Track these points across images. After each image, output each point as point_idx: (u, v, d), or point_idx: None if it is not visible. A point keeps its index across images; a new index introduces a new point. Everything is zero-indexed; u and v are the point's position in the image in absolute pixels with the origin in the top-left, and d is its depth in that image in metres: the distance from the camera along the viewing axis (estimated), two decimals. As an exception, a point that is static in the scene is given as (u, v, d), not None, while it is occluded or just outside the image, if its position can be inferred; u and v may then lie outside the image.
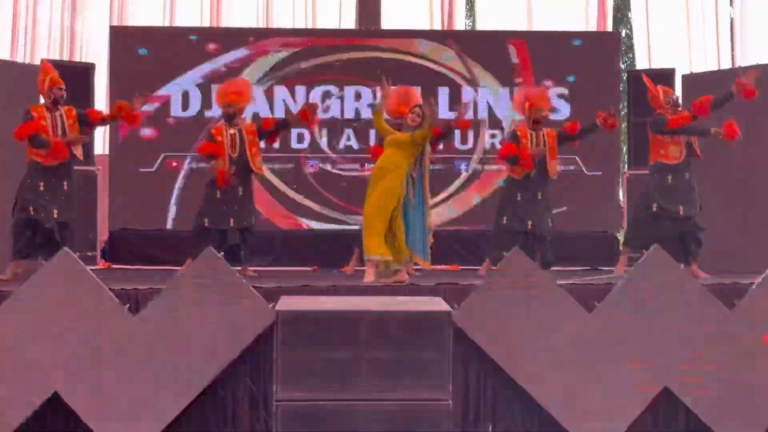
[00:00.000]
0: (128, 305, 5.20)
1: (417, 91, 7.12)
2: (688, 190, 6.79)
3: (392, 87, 6.60)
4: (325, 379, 4.71)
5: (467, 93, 8.99)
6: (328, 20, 11.33)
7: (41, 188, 6.43)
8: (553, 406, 5.17)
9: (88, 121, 6.70)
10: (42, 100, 6.70)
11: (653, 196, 6.79)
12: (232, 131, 6.82)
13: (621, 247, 7.54)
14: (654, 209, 6.77)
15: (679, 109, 6.91)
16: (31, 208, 6.38)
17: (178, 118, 8.95)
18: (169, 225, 8.73)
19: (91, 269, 5.30)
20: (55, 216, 6.43)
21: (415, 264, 6.51)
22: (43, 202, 6.40)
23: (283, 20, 11.22)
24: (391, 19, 10.42)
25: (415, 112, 6.33)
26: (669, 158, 6.78)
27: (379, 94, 6.52)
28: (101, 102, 9.65)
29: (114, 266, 8.29)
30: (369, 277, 6.06)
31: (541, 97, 7.17)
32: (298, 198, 8.93)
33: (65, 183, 6.55)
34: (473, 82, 9.09)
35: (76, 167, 8.03)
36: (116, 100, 6.84)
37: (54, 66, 8.34)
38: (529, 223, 6.95)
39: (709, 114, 6.70)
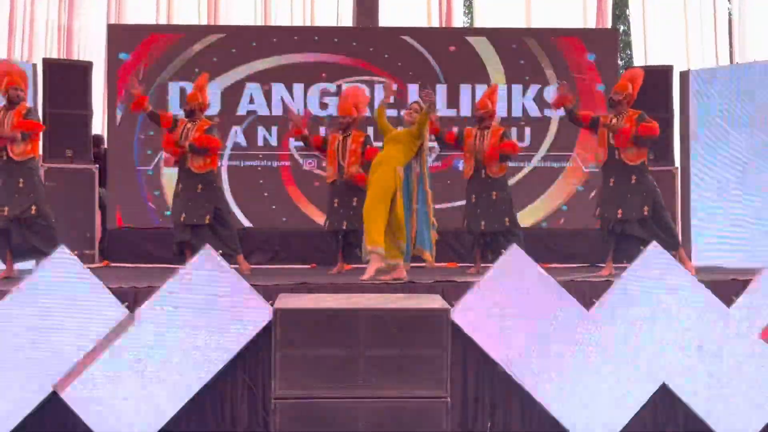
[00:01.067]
0: (126, 303, 5.20)
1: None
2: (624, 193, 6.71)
3: (393, 85, 6.62)
4: (323, 376, 4.71)
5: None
6: (326, 18, 11.31)
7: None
8: (551, 404, 5.18)
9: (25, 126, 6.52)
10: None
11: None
12: (189, 125, 6.87)
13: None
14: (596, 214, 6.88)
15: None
16: None
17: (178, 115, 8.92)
18: (166, 223, 8.71)
19: (89, 267, 5.31)
20: (5, 214, 6.36)
21: (422, 260, 6.52)
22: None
23: (281, 18, 11.20)
24: (388, 16, 10.40)
25: (413, 108, 6.35)
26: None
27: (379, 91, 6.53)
28: (99, 100, 9.65)
29: (112, 264, 8.28)
30: (370, 272, 6.07)
31: (488, 95, 7.28)
32: (295, 196, 8.92)
33: (21, 179, 6.42)
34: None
35: (75, 165, 8.09)
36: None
37: (52, 64, 8.40)
38: (483, 223, 7.05)
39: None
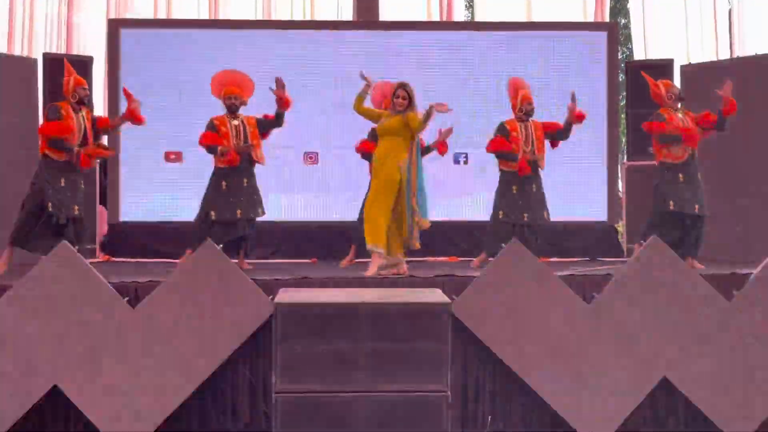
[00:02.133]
0: (128, 298, 5.21)
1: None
2: (697, 188, 6.78)
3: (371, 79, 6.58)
4: (324, 371, 4.72)
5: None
6: (326, 12, 11.31)
7: (62, 184, 6.47)
8: (552, 397, 5.19)
9: (95, 128, 6.71)
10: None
11: (667, 194, 6.78)
12: (235, 122, 6.87)
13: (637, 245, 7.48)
14: (671, 207, 6.76)
15: (681, 106, 6.89)
16: (50, 204, 6.40)
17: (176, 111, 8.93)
18: (167, 218, 8.72)
19: (90, 262, 5.32)
20: (76, 212, 6.50)
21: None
22: (65, 199, 6.45)
23: (280, 12, 11.19)
24: (388, 11, 10.40)
25: (400, 95, 6.26)
26: (672, 157, 6.77)
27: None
28: (99, 95, 9.64)
29: (113, 259, 8.29)
30: (372, 269, 6.08)
31: (529, 90, 7.22)
32: (296, 190, 8.93)
33: (81, 181, 6.63)
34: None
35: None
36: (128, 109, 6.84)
37: (52, 59, 8.39)
38: (525, 215, 7.00)
39: (711, 131, 6.81)
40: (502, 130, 7.09)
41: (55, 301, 5.05)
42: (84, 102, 6.59)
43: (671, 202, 6.75)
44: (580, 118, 7.07)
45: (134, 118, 6.75)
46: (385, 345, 4.74)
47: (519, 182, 7.04)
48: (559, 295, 5.27)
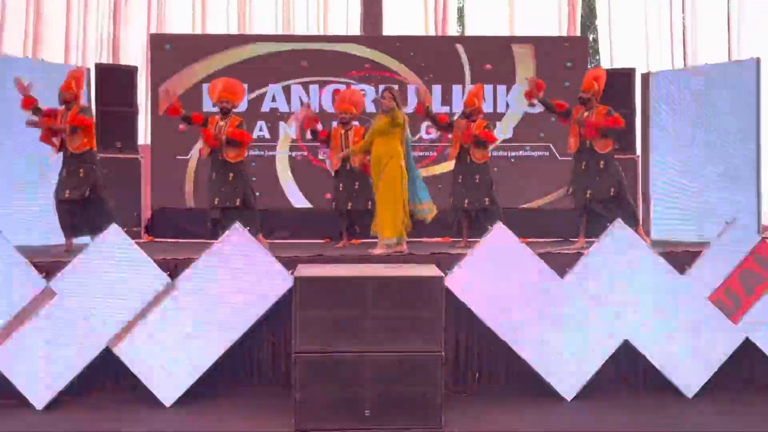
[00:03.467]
0: (168, 272, 5.22)
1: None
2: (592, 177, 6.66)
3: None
4: (336, 333, 4.73)
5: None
6: (337, 26, 11.28)
7: (64, 173, 6.56)
8: (530, 356, 5.21)
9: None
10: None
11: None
12: (221, 123, 6.84)
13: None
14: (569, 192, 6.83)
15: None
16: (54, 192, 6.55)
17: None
18: (203, 204, 8.72)
19: (136, 242, 5.33)
20: (67, 195, 6.49)
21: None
22: (59, 185, 6.54)
23: (299, 25, 11.17)
24: (391, 24, 10.37)
25: (386, 96, 6.21)
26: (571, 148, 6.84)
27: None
28: (142, 99, 9.62)
29: (156, 240, 8.30)
30: (379, 250, 6.10)
31: (477, 94, 7.21)
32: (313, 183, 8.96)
33: (81, 168, 6.56)
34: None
35: (123, 155, 8.14)
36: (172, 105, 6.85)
37: (103, 68, 8.39)
38: (466, 201, 7.02)
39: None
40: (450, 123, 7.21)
41: (107, 275, 5.08)
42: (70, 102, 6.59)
43: (571, 189, 6.82)
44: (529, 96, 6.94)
45: (173, 112, 6.83)
46: (389, 312, 4.75)
47: (461, 173, 7.07)
48: (537, 269, 5.28)
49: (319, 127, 7.51)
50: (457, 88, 8.94)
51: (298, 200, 8.95)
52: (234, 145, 6.76)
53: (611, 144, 6.69)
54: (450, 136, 7.29)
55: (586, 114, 6.68)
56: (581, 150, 6.73)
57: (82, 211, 6.53)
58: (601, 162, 6.65)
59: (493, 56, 8.94)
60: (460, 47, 9.00)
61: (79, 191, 6.50)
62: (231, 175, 6.80)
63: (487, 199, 7.04)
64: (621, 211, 6.46)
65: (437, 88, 8.93)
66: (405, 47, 9.01)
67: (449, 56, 8.95)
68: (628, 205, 6.67)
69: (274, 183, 8.90)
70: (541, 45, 9.06)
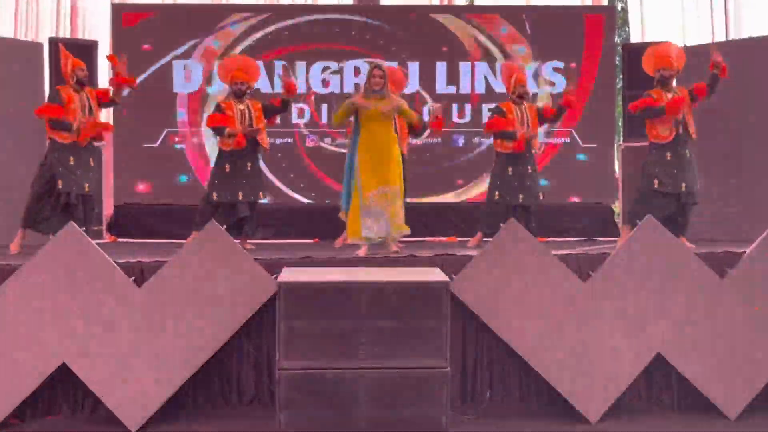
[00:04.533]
0: (134, 278, 5.23)
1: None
2: (687, 166, 6.69)
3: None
4: (326, 347, 4.75)
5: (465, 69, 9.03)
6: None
7: (71, 162, 6.53)
8: (550, 373, 5.22)
9: (99, 103, 6.76)
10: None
11: (653, 173, 6.73)
12: (241, 107, 6.89)
13: (622, 225, 7.49)
14: (655, 186, 6.70)
15: (673, 84, 6.84)
16: (60, 182, 6.47)
17: (180, 93, 8.95)
18: (172, 199, 8.74)
19: (97, 243, 5.33)
20: (86, 190, 6.58)
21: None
22: (75, 177, 6.52)
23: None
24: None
25: (376, 74, 6.27)
26: (659, 138, 6.72)
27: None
28: (104, 79, 9.61)
29: (119, 240, 8.32)
30: (398, 247, 6.26)
31: (523, 73, 7.25)
32: (297, 173, 8.97)
33: (91, 159, 6.69)
34: (471, 57, 9.11)
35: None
36: (114, 75, 6.89)
37: (58, 43, 8.39)
38: (521, 196, 7.01)
39: (707, 96, 6.69)
40: (498, 111, 7.11)
41: (62, 281, 5.07)
42: (84, 82, 6.64)
43: (656, 181, 6.69)
44: (570, 103, 7.07)
45: (122, 81, 6.80)
46: (386, 323, 4.76)
47: (515, 163, 7.05)
48: (556, 273, 5.29)
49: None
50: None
51: (283, 195, 8.98)
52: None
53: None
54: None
55: (670, 96, 6.67)
56: (677, 137, 6.69)
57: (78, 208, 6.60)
58: (691, 150, 6.73)
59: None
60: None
61: (95, 185, 6.70)
62: (249, 164, 6.92)
63: (541, 193, 7.14)
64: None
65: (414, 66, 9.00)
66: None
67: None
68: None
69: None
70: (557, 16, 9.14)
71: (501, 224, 5.55)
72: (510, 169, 7.06)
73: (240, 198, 6.86)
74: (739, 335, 5.32)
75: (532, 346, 5.22)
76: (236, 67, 6.97)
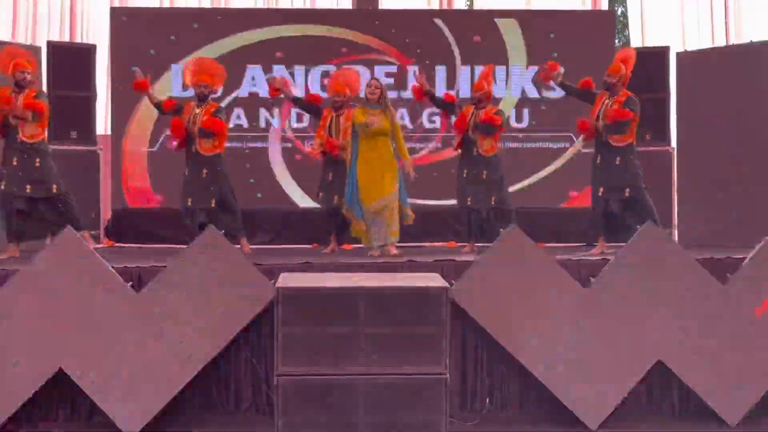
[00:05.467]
0: (131, 283, 5.22)
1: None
2: (611, 171, 6.64)
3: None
4: (325, 354, 4.74)
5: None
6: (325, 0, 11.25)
7: (14, 163, 6.46)
8: (550, 380, 5.20)
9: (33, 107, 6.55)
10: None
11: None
12: (197, 110, 6.84)
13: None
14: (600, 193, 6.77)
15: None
16: (2, 183, 6.45)
17: (179, 98, 8.94)
18: (171, 204, 8.72)
19: (94, 248, 5.32)
20: (28, 191, 6.44)
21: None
22: (17, 178, 6.43)
23: (282, 0, 11.14)
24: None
25: (372, 85, 6.49)
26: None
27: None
28: (102, 83, 9.61)
29: (117, 244, 8.30)
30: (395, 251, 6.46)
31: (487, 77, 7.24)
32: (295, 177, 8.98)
33: (37, 159, 6.51)
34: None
35: (78, 147, 8.10)
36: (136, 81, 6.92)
37: (56, 47, 8.38)
38: (469, 200, 7.02)
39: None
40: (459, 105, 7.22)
41: (59, 286, 5.05)
42: (22, 85, 6.51)
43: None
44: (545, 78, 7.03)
45: (140, 87, 6.91)
46: (385, 329, 4.75)
47: (469, 167, 7.06)
48: (556, 278, 5.28)
49: (295, 91, 7.51)
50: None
51: (281, 199, 8.96)
52: (208, 136, 6.75)
53: (631, 137, 6.66)
54: (453, 121, 7.24)
55: (607, 102, 6.68)
56: (598, 141, 6.74)
57: (46, 210, 6.51)
58: (618, 157, 6.64)
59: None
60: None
61: (45, 186, 6.49)
62: (204, 171, 6.81)
63: (494, 198, 7.02)
64: (639, 213, 6.48)
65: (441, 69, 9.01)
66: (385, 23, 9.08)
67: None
68: (647, 207, 6.65)
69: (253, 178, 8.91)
70: (555, 20, 9.12)
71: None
72: (465, 172, 7.10)
73: (189, 204, 6.83)
74: (739, 341, 5.30)
75: (532, 352, 5.20)
76: (201, 71, 6.93)
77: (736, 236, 7.24)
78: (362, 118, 6.50)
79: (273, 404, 4.91)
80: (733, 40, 10.78)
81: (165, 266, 5.21)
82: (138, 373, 5.03)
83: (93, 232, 7.98)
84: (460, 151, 7.18)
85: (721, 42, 10.82)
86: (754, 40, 8.76)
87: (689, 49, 9.59)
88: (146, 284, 5.18)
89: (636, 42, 11.23)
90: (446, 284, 5.02)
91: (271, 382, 4.95)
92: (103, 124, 9.72)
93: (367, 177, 6.47)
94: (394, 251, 6.43)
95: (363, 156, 6.50)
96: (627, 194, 6.63)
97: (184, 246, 5.32)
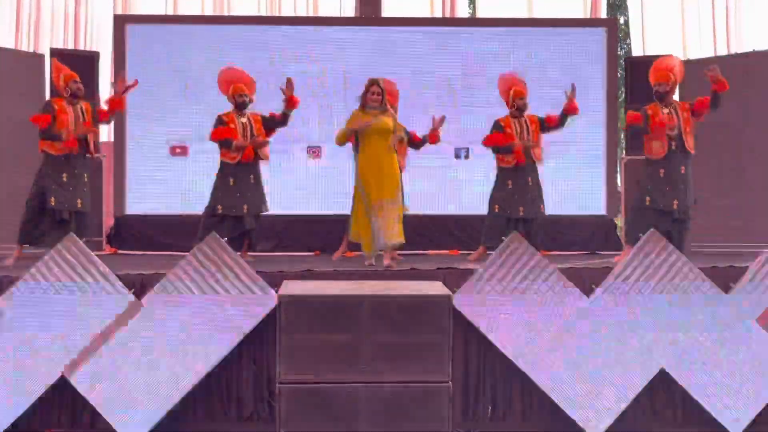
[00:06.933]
0: (133, 290, 5.20)
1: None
2: (680, 183, 6.58)
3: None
4: (327, 361, 4.73)
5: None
6: (328, 7, 11.25)
7: (64, 179, 6.51)
8: (552, 388, 5.19)
9: (97, 120, 6.76)
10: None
11: (646, 189, 6.67)
12: (243, 120, 6.92)
13: (624, 241, 7.44)
14: (647, 203, 6.63)
15: (674, 98, 6.79)
16: (52, 199, 6.45)
17: (181, 106, 8.94)
18: (173, 211, 8.72)
19: (96, 254, 5.31)
20: (79, 206, 6.56)
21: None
22: (67, 194, 6.51)
23: (285, 8, 11.14)
24: (391, 5, 10.35)
25: (375, 91, 6.50)
26: (652, 153, 6.66)
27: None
28: (106, 90, 9.62)
29: (120, 252, 8.29)
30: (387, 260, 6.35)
31: (522, 85, 7.19)
32: (302, 183, 8.94)
33: (86, 174, 6.68)
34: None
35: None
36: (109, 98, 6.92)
37: (59, 54, 8.39)
38: (521, 209, 6.98)
39: (708, 111, 6.58)
40: (497, 126, 7.08)
41: (61, 292, 5.04)
42: (78, 95, 6.60)
43: (648, 198, 6.62)
44: (575, 109, 7.03)
45: (114, 105, 6.75)
46: (387, 336, 4.75)
47: (515, 177, 7.03)
48: (559, 287, 5.26)
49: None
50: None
51: (284, 206, 8.95)
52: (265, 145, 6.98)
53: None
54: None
55: (666, 111, 6.61)
56: (671, 152, 6.58)
57: (66, 223, 6.54)
58: (689, 166, 6.63)
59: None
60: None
61: (88, 201, 6.67)
62: (252, 176, 7.00)
63: (542, 204, 7.11)
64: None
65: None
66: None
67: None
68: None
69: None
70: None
71: (503, 238, 5.52)
72: (510, 182, 7.03)
73: (245, 211, 6.88)
74: (743, 350, 5.29)
75: (535, 360, 5.19)
76: (237, 79, 6.99)
77: (738, 244, 7.25)
78: (363, 118, 6.50)
79: (275, 412, 4.89)
80: (735, 49, 10.79)
81: (167, 273, 5.20)
82: (139, 381, 5.02)
83: (96, 239, 8.00)
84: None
85: (722, 51, 10.83)
86: (756, 49, 8.78)
87: (690, 57, 9.59)
88: (148, 291, 5.17)
89: (637, 51, 11.25)
90: (449, 292, 5.01)
91: (273, 390, 4.93)
92: (105, 131, 9.72)
93: (368, 180, 6.47)
94: (388, 261, 6.32)
95: (364, 160, 6.50)
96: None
97: (187, 253, 5.31)
